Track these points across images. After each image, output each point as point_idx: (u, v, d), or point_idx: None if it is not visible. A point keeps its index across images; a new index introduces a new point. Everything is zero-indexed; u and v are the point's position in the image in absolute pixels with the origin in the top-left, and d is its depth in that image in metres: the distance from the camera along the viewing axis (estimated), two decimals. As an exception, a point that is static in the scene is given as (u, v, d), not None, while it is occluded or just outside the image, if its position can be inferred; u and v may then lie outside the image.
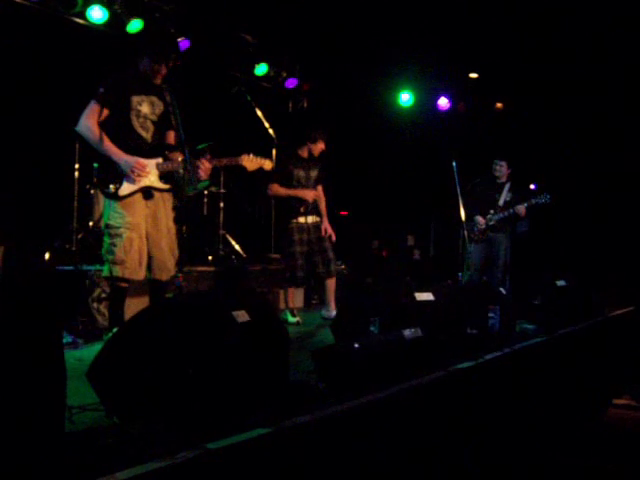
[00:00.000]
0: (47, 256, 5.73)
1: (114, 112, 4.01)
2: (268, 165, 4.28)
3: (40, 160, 6.06)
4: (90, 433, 2.32)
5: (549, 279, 5.66)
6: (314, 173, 5.80)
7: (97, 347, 2.60)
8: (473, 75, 9.09)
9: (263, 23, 7.52)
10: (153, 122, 4.14)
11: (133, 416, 2.38)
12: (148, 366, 2.42)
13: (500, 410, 3.78)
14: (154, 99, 4.14)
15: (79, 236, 5.96)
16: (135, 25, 6.58)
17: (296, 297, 6.14)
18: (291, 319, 5.68)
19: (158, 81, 4.14)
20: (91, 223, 6.10)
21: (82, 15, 6.33)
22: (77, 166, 6.06)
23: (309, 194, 5.69)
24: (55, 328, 2.21)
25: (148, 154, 4.07)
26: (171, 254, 4.20)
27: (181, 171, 3.99)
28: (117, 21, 6.54)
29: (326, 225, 5.81)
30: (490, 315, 4.95)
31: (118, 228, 4.01)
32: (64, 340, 4.23)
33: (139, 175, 3.97)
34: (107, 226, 4.08)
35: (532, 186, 9.47)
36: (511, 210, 6.49)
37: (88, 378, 2.47)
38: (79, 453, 2.11)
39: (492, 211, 6.55)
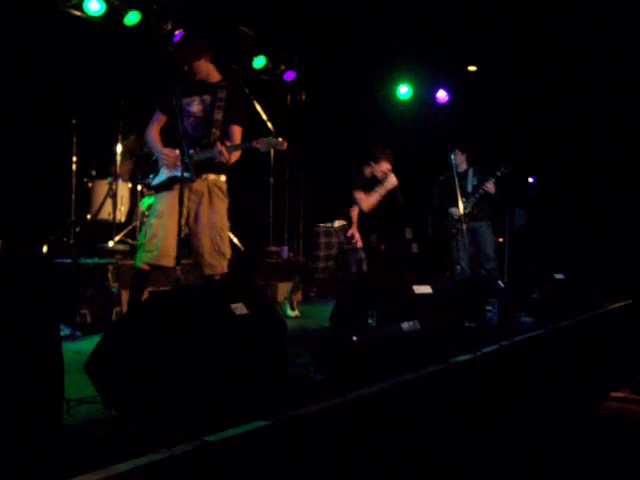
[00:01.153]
0: (45, 249, 5.72)
1: (170, 117, 4.19)
2: (283, 145, 4.14)
3: (37, 153, 6.03)
4: (88, 426, 2.32)
5: (547, 272, 5.67)
6: None
7: (95, 340, 2.59)
8: (472, 68, 9.05)
9: (261, 15, 7.48)
10: (203, 119, 4.20)
11: (131, 409, 2.38)
12: (146, 359, 2.42)
13: (498, 403, 3.78)
14: (206, 97, 4.21)
15: (77, 229, 5.95)
16: (133, 17, 6.55)
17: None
18: (290, 312, 5.68)
19: (212, 78, 4.24)
20: (89, 216, 6.09)
21: (79, 7, 6.30)
22: (75, 159, 6.04)
23: (394, 180, 5.52)
24: (53, 321, 2.21)
25: (186, 147, 4.09)
26: (213, 249, 4.12)
27: (178, 163, 3.98)
28: (114, 13, 6.51)
29: (354, 231, 5.67)
30: (488, 308, 4.97)
31: (148, 217, 4.26)
32: (62, 333, 4.23)
33: (166, 161, 4.11)
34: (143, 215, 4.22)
35: (530, 179, 9.46)
36: (481, 190, 6.52)
37: (86, 371, 2.47)
38: (77, 445, 2.11)
39: (464, 199, 6.54)
